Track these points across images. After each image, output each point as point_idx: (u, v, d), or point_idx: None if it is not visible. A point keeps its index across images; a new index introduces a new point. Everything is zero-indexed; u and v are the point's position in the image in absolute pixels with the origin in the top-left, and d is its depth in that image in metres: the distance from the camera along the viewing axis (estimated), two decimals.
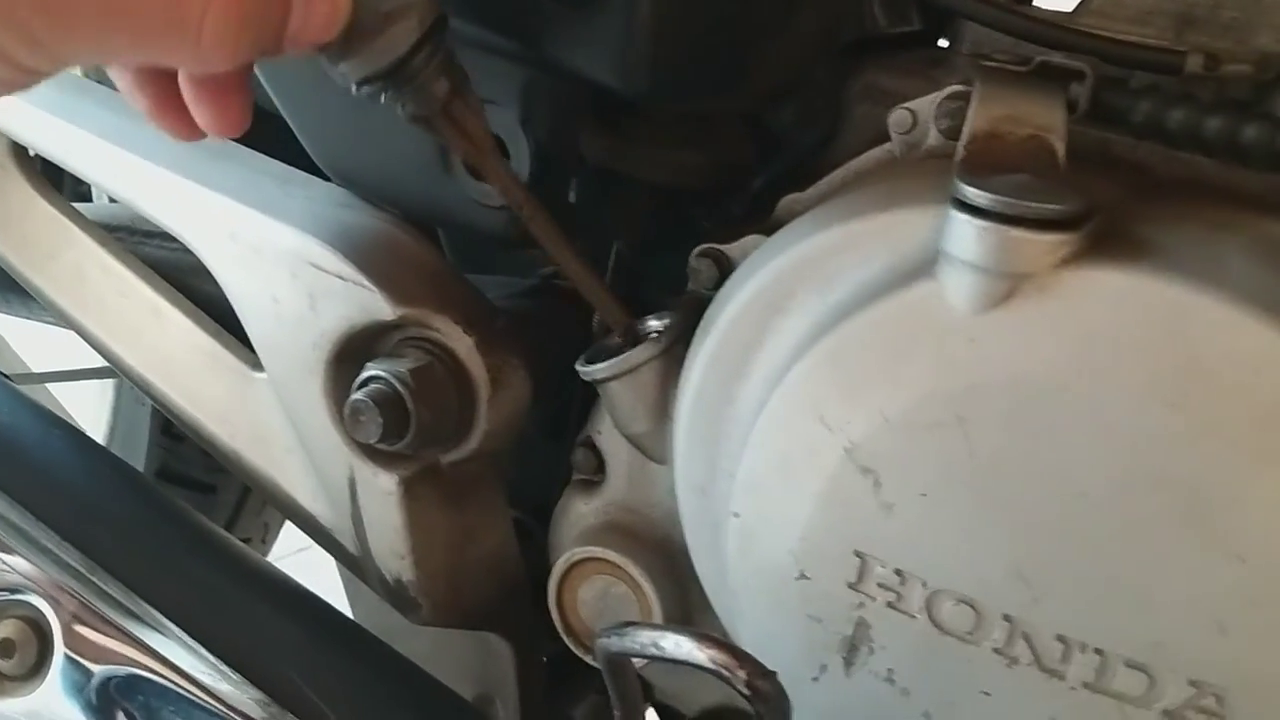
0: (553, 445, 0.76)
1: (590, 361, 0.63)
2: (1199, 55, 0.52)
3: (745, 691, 0.44)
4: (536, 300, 0.75)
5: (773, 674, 0.44)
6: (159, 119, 0.51)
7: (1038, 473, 0.45)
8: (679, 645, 0.46)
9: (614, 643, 0.48)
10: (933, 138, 0.55)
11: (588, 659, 0.68)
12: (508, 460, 0.73)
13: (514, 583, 0.74)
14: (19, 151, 0.79)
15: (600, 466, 0.68)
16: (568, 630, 0.68)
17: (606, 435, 0.67)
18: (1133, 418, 0.43)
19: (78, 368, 1.06)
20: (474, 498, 0.71)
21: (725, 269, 0.61)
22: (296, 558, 1.09)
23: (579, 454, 0.68)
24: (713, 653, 0.45)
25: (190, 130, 0.51)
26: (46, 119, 0.74)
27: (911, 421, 0.47)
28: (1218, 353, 0.42)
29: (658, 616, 0.65)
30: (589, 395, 0.68)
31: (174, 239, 0.74)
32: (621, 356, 0.61)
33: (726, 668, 0.44)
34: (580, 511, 0.69)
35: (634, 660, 0.52)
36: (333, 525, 0.72)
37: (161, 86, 0.50)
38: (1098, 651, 0.45)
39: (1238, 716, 0.43)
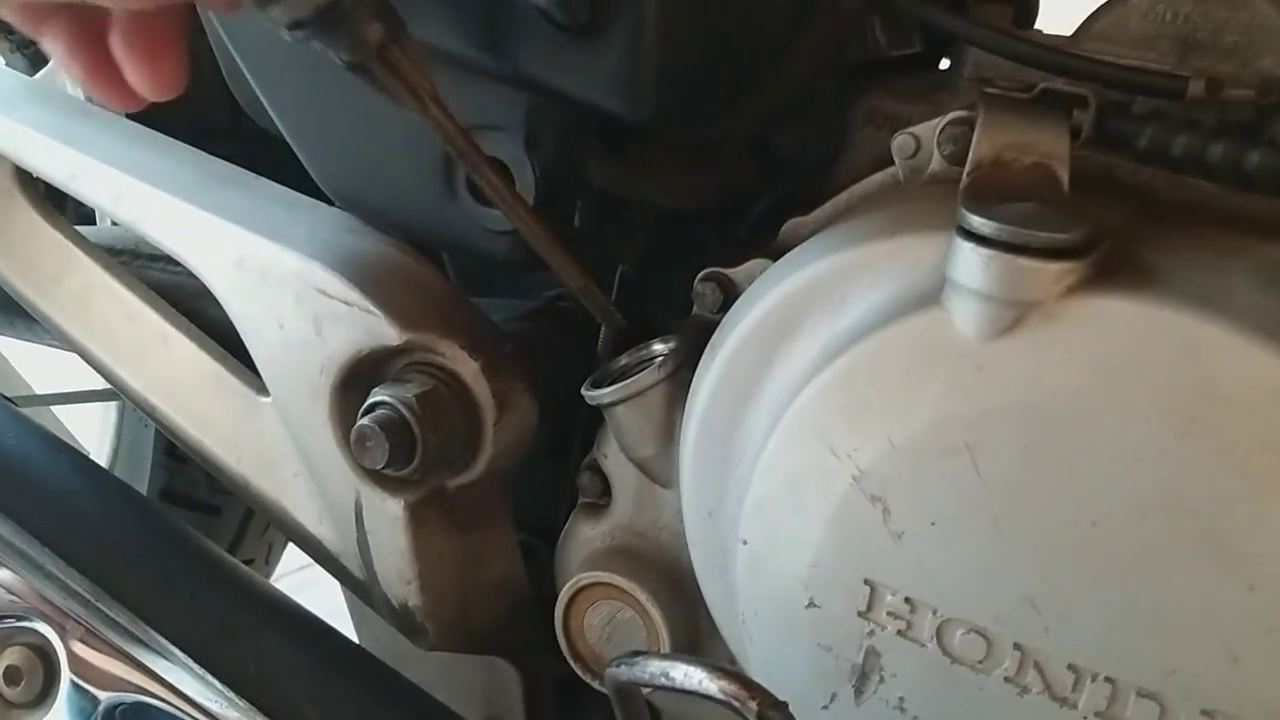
0: (558, 467, 0.76)
1: (596, 386, 0.63)
2: (1201, 80, 0.52)
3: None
4: (542, 323, 0.75)
5: (784, 705, 0.44)
6: (94, 85, 0.51)
7: (1048, 500, 0.45)
8: (689, 676, 0.46)
9: (623, 672, 0.48)
10: (936, 163, 0.55)
11: (595, 684, 0.68)
12: (513, 483, 0.73)
13: (520, 605, 0.74)
14: (24, 176, 0.79)
15: (606, 490, 0.68)
16: (575, 655, 0.68)
17: (612, 459, 0.67)
18: (1143, 445, 0.43)
19: (81, 390, 1.06)
20: (480, 521, 0.71)
21: (730, 293, 0.62)
22: (296, 576, 1.09)
23: (585, 478, 0.68)
24: (723, 684, 0.45)
25: (125, 95, 0.51)
26: (51, 145, 0.74)
27: (920, 449, 0.47)
28: (1227, 380, 0.42)
29: (665, 642, 0.65)
30: (594, 418, 0.68)
31: (177, 263, 0.74)
32: (627, 381, 0.61)
33: (737, 699, 0.44)
34: (586, 536, 0.69)
35: (644, 696, 0.53)
36: (338, 550, 0.72)
37: (94, 51, 0.50)
38: (1109, 680, 0.45)
39: None
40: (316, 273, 0.65)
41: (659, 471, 0.64)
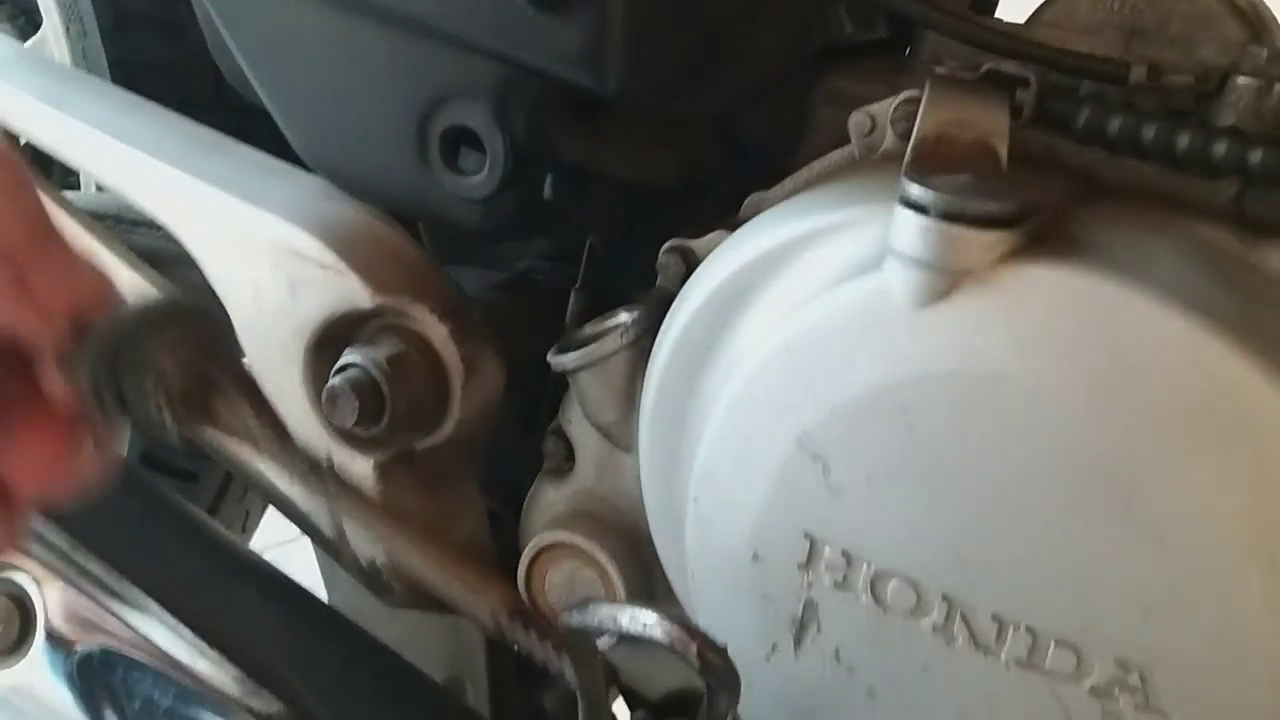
0: (525, 438, 0.78)
1: (561, 352, 0.65)
2: (1143, 66, 0.54)
3: (696, 665, 0.46)
4: (512, 293, 0.77)
5: (723, 649, 0.46)
6: None
7: (976, 460, 0.47)
8: (635, 620, 0.48)
9: (575, 619, 0.50)
10: (890, 140, 0.57)
11: None
12: (482, 451, 0.75)
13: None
14: (9, 139, 0.80)
15: (570, 455, 0.70)
16: (535, 608, 0.70)
17: (576, 425, 0.69)
18: (1065, 408, 0.45)
19: None
20: (448, 484, 0.73)
21: (692, 264, 0.64)
22: (274, 552, 1.11)
23: (550, 443, 0.70)
24: (666, 627, 0.47)
25: None
26: (36, 106, 0.76)
27: (858, 410, 0.49)
28: (1146, 347, 0.44)
29: (622, 600, 0.67)
30: (560, 389, 0.70)
31: (160, 228, 0.76)
32: (591, 347, 0.64)
33: (679, 641, 0.47)
34: (550, 499, 0.71)
35: (599, 641, 0.55)
36: (309, 509, 0.74)
37: None
38: (1030, 631, 0.47)
39: (1160, 694, 0.46)
40: (293, 236, 0.67)
41: (620, 437, 0.66)
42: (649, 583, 0.67)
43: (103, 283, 0.41)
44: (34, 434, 0.41)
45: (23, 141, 0.81)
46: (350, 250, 0.66)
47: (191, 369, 0.41)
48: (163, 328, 0.41)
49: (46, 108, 0.76)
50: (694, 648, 0.46)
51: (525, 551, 0.70)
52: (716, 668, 0.46)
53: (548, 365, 0.66)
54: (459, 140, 0.65)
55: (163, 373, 0.40)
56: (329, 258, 0.66)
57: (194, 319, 0.42)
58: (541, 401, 0.76)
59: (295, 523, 0.76)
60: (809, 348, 0.50)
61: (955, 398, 0.47)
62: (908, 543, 0.49)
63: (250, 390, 0.43)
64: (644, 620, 0.47)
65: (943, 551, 0.48)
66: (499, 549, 0.77)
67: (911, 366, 0.48)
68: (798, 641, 0.53)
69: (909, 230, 0.47)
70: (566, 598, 0.69)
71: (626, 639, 0.66)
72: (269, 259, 0.68)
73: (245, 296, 0.70)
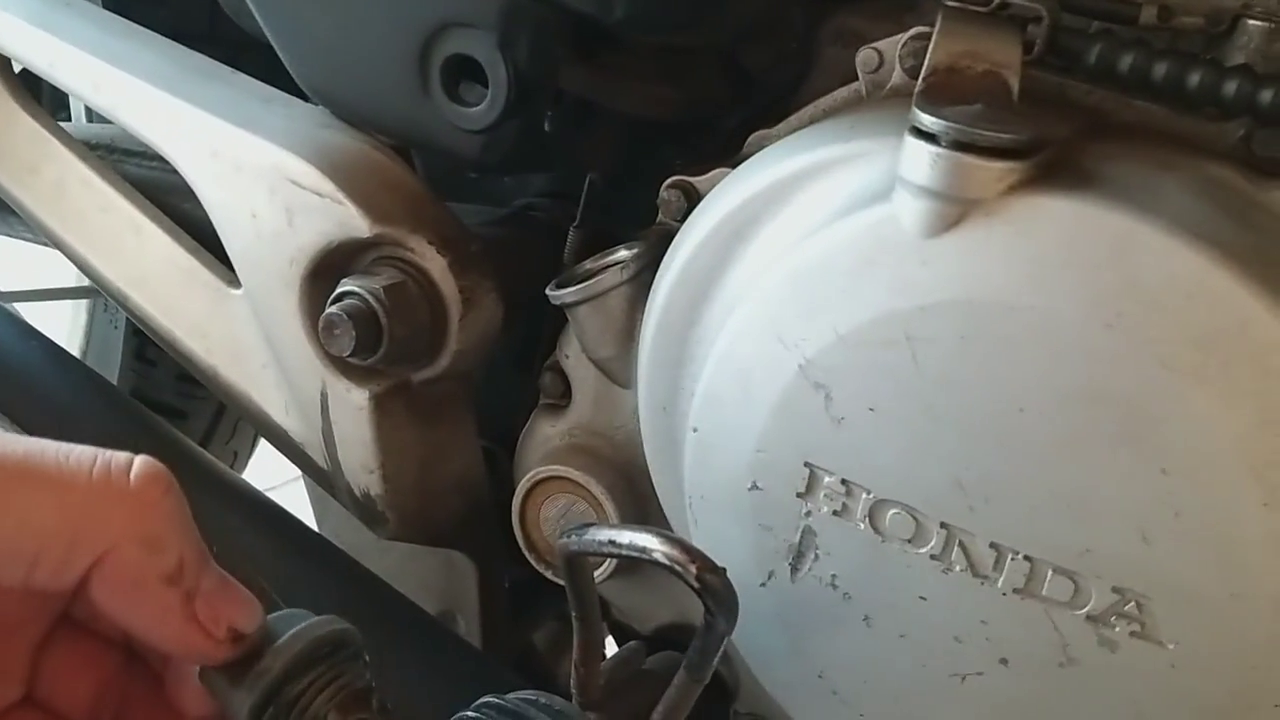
0: (521, 376, 0.78)
1: (560, 287, 0.65)
2: (1154, 6, 0.54)
3: (695, 584, 0.46)
4: (510, 228, 0.76)
5: (722, 570, 0.47)
6: None
7: (979, 389, 0.47)
8: (634, 541, 0.48)
9: (573, 542, 0.50)
10: (897, 77, 0.57)
11: (548, 574, 0.70)
12: (477, 388, 0.75)
13: (479, 503, 0.76)
14: (2, 63, 0.79)
15: (566, 391, 0.70)
16: (530, 547, 0.71)
17: (574, 360, 0.69)
18: (1070, 337, 0.45)
19: (49, 287, 1.07)
20: (443, 417, 0.73)
21: (693, 200, 0.63)
22: None
23: (546, 378, 0.70)
24: (666, 549, 0.47)
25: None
26: (32, 32, 0.75)
27: (863, 339, 0.49)
28: (1154, 277, 0.44)
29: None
30: (557, 328, 0.70)
31: (155, 158, 0.75)
32: (590, 281, 0.63)
33: (679, 563, 0.47)
34: (546, 434, 0.71)
35: (594, 575, 0.55)
36: (303, 440, 0.74)
37: None
38: (1028, 559, 0.47)
39: (1157, 622, 0.46)
40: (291, 164, 0.66)
41: (618, 372, 0.66)
42: (644, 517, 0.67)
43: (253, 604, 0.44)
44: None
45: (17, 67, 0.80)
46: (348, 179, 0.66)
47: (342, 708, 0.45)
48: (314, 664, 0.44)
49: (42, 32, 0.75)
50: (693, 568, 0.46)
51: (520, 486, 0.70)
52: (715, 588, 0.47)
53: (544, 302, 0.66)
54: (460, 70, 0.64)
55: (318, 715, 0.44)
56: (326, 186, 0.66)
57: (338, 648, 0.45)
58: (538, 339, 0.76)
59: (287, 454, 0.76)
60: (814, 277, 0.50)
61: (961, 326, 0.47)
62: (908, 472, 0.49)
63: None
64: (642, 541, 0.47)
65: (943, 480, 0.48)
66: (493, 485, 0.77)
67: (918, 295, 0.48)
68: (794, 569, 0.53)
69: (919, 159, 0.47)
70: (561, 531, 0.69)
71: (624, 561, 0.67)
72: (266, 186, 0.67)
73: (242, 224, 0.69)
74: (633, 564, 0.71)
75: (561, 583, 0.52)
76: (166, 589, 0.41)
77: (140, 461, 0.42)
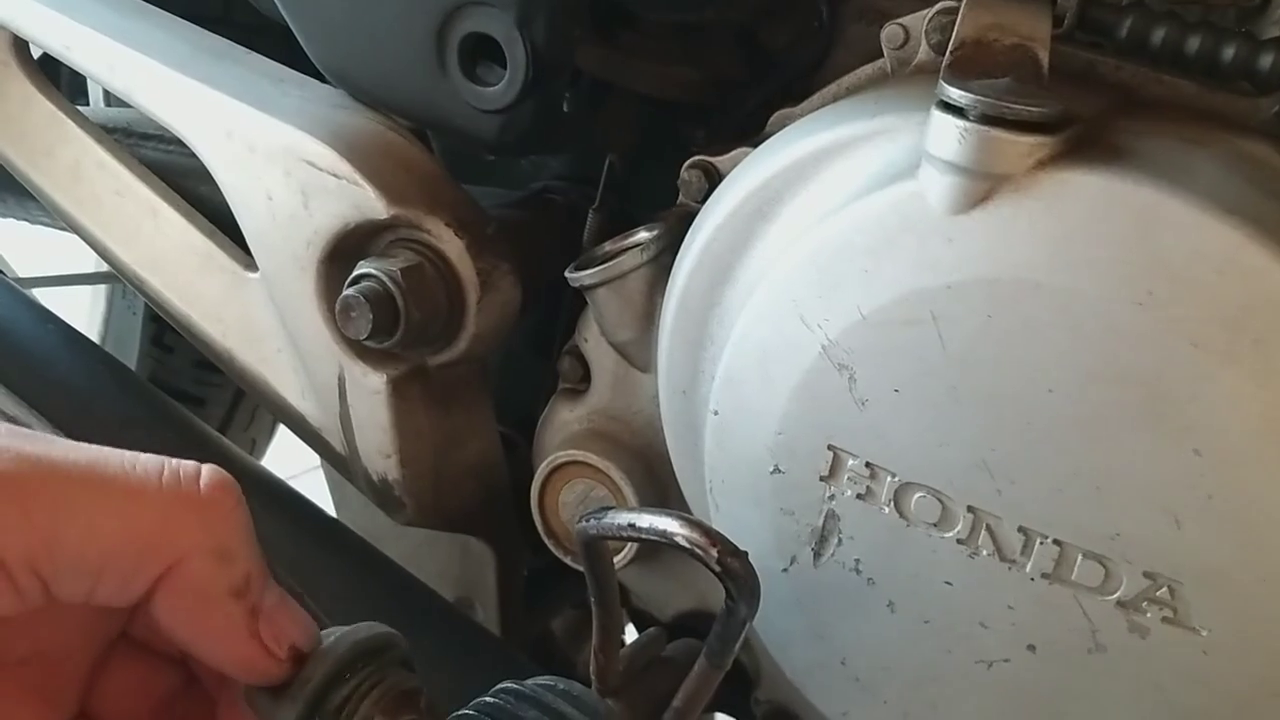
0: (539, 362, 0.78)
1: (579, 269, 0.64)
2: None
3: (717, 568, 0.46)
4: (528, 211, 0.76)
5: (744, 553, 0.46)
6: None
7: (1006, 369, 0.46)
8: (654, 524, 0.47)
9: (592, 526, 0.50)
10: (923, 53, 0.56)
11: (567, 560, 0.70)
12: (497, 375, 0.75)
13: (497, 489, 0.76)
14: (20, 46, 0.79)
15: (585, 375, 0.69)
16: (549, 533, 0.70)
17: (593, 344, 0.68)
18: (1098, 316, 0.44)
19: (68, 273, 1.07)
20: (460, 402, 0.72)
21: (714, 181, 0.62)
22: None
23: (565, 362, 0.70)
24: (687, 531, 0.46)
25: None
26: (48, 14, 0.75)
27: (887, 319, 0.48)
28: (1184, 254, 0.43)
29: None
30: (575, 312, 0.69)
31: (173, 142, 0.75)
32: (610, 263, 0.63)
33: (700, 546, 0.46)
34: (565, 419, 0.70)
35: (613, 561, 0.54)
36: (321, 424, 0.73)
37: None
38: (1057, 543, 0.46)
39: (1189, 608, 0.45)
40: (306, 145, 0.66)
41: (637, 355, 0.65)
42: (664, 502, 0.67)
43: (311, 623, 0.44)
44: None
45: (36, 52, 0.80)
46: (365, 160, 0.65)
47: (389, 712, 0.44)
48: (357, 668, 0.44)
49: (58, 14, 0.74)
50: (714, 551, 0.45)
51: (538, 471, 0.69)
52: (737, 572, 0.46)
53: (563, 286, 0.65)
54: (478, 49, 0.63)
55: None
56: (343, 167, 0.65)
57: (381, 651, 0.45)
58: (556, 325, 0.76)
59: (305, 439, 0.75)
60: (838, 256, 0.49)
61: (987, 305, 0.46)
62: (934, 454, 0.48)
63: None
64: (662, 525, 0.46)
65: (970, 463, 0.47)
66: (512, 472, 0.76)
67: (944, 273, 0.47)
68: (817, 554, 0.52)
69: (946, 134, 0.46)
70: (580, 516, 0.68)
71: (644, 547, 0.66)
72: (281, 168, 0.67)
73: (258, 206, 0.68)
74: (652, 550, 0.70)
75: (580, 569, 0.51)
76: (233, 604, 0.41)
77: (209, 470, 0.41)
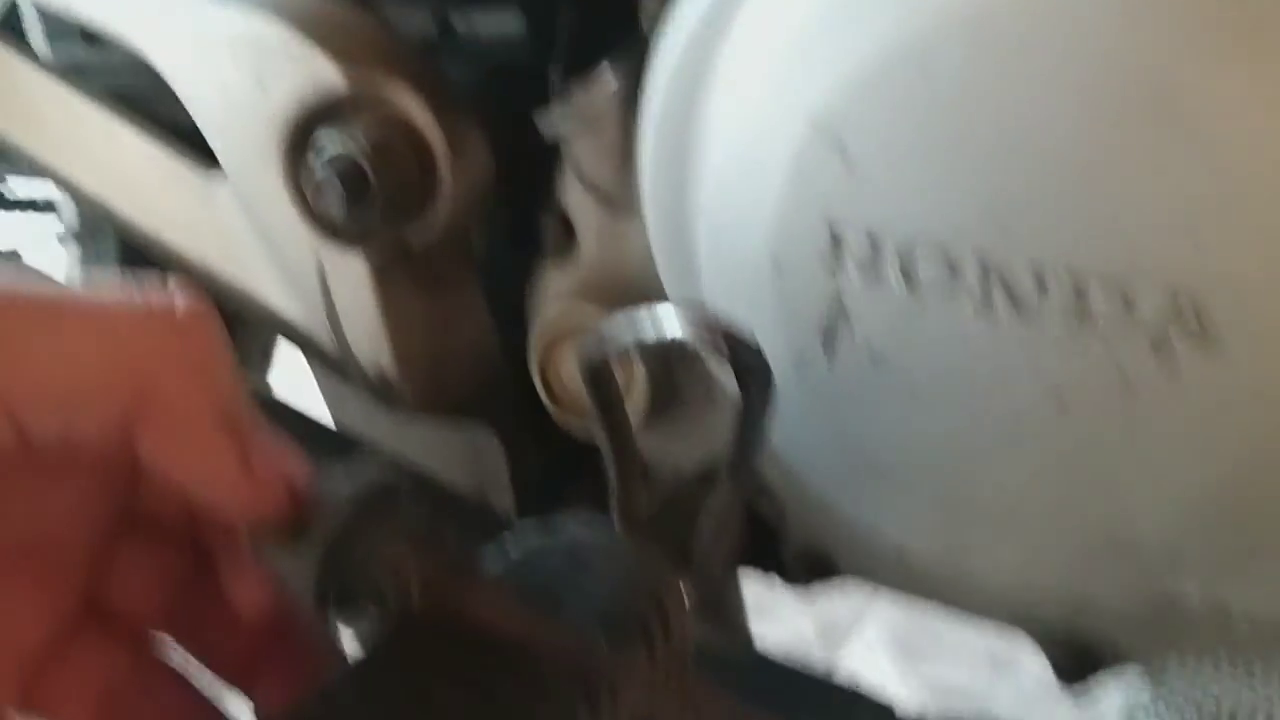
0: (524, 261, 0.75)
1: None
2: None
3: (726, 355, 0.44)
4: (490, 77, 0.73)
5: (750, 333, 0.44)
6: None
7: (1001, 101, 0.44)
8: (655, 322, 0.45)
9: (593, 342, 0.48)
10: None
11: (576, 425, 0.68)
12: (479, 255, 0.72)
13: (495, 374, 0.74)
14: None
15: (569, 232, 0.67)
16: (554, 401, 0.68)
17: (573, 198, 0.66)
18: (1097, 22, 0.42)
19: None
20: (447, 284, 0.70)
21: None
22: None
23: (548, 224, 0.67)
24: (689, 324, 0.44)
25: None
26: None
27: (873, 79, 0.46)
28: None
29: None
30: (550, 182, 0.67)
31: (123, 72, 0.73)
32: (580, 101, 0.60)
33: (705, 334, 0.44)
34: (556, 285, 0.68)
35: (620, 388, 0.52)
36: (309, 325, 0.71)
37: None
38: (1071, 272, 0.44)
39: (1214, 323, 0.43)
40: (252, 24, 0.64)
41: (620, 196, 0.63)
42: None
43: (303, 460, 0.40)
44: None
45: None
46: (315, 30, 0.63)
47: (422, 558, 0.39)
48: (379, 517, 0.38)
49: None
50: (721, 339, 0.43)
51: (536, 340, 0.67)
52: (747, 358, 0.44)
53: (536, 166, 0.63)
54: None
55: (397, 568, 0.38)
56: (293, 41, 0.63)
57: (395, 492, 0.40)
58: (533, 211, 0.73)
59: (296, 344, 0.74)
60: (813, 23, 0.47)
61: (975, 39, 0.43)
62: (935, 205, 0.46)
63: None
64: (664, 319, 0.44)
65: (973, 206, 0.45)
66: (507, 353, 0.74)
67: (926, 15, 0.44)
68: (828, 348, 0.50)
69: None
70: None
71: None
72: (229, 53, 0.64)
73: (212, 100, 0.66)
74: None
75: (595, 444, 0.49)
76: (220, 433, 0.38)
77: (183, 291, 0.39)
